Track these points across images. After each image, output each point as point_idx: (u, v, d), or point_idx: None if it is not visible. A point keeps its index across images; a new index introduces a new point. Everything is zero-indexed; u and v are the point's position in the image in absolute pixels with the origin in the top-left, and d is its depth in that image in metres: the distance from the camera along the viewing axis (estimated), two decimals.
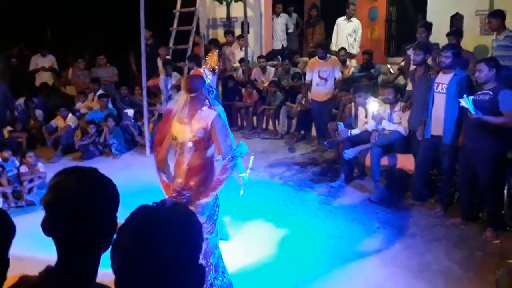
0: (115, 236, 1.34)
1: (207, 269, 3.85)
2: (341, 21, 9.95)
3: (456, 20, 8.21)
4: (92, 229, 1.46)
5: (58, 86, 10.84)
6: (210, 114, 3.78)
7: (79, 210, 1.45)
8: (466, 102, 5.04)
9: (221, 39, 11.02)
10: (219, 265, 4.05)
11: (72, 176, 1.51)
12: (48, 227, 1.47)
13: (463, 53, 6.41)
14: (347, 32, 9.85)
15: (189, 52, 9.63)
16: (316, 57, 8.49)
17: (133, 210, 1.35)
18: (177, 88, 8.39)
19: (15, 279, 1.48)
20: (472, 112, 5.01)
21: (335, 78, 8.42)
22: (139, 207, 1.36)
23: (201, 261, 3.77)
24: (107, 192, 1.53)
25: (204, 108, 3.82)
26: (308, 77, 8.52)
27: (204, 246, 3.80)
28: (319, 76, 8.32)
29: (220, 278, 4.02)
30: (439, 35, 7.46)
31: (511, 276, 2.76)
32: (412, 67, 6.69)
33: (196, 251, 1.31)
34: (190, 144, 3.81)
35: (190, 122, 3.77)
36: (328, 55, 8.52)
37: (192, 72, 5.67)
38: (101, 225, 1.48)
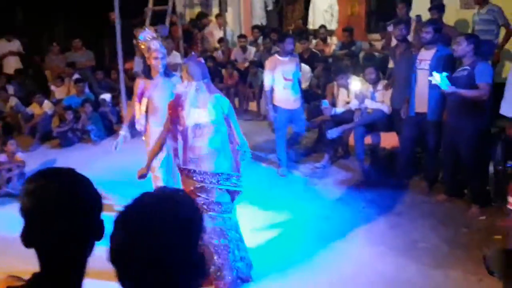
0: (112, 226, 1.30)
1: (224, 250, 3.94)
2: None
3: None
4: (78, 235, 1.39)
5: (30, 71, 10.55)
6: (224, 101, 3.98)
7: (64, 216, 1.36)
8: (438, 78, 4.95)
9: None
10: (240, 247, 4.10)
11: (52, 180, 1.41)
12: (30, 237, 1.37)
13: (445, 28, 6.35)
14: (323, 8, 9.71)
15: (167, 33, 9.40)
16: (276, 55, 6.62)
17: (134, 197, 1.33)
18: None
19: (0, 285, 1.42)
20: (444, 88, 4.95)
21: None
22: (141, 194, 1.34)
23: (217, 241, 3.88)
24: (90, 195, 1.46)
25: (217, 94, 3.97)
26: (267, 81, 6.49)
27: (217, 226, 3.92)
28: (284, 78, 6.44)
29: (241, 260, 4.09)
30: (420, 10, 7.37)
31: (503, 255, 2.73)
32: (393, 44, 6.62)
33: (195, 239, 1.30)
34: (211, 126, 3.85)
35: (205, 106, 3.85)
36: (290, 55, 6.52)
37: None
38: (87, 229, 1.41)
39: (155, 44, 4.72)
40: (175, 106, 3.90)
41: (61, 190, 1.39)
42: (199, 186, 3.86)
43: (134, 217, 1.27)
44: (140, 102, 4.84)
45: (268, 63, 6.58)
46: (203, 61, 4.09)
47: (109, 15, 9.56)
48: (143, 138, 4.97)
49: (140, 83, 4.88)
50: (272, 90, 6.46)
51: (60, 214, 1.36)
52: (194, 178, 3.86)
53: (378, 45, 8.85)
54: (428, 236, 4.90)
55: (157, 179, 4.82)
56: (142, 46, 4.82)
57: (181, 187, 3.98)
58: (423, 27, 5.64)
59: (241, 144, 4.12)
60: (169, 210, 1.27)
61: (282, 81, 6.40)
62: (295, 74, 6.49)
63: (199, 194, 3.86)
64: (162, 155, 4.69)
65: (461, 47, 5.13)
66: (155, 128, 4.67)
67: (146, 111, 4.81)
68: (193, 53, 4.31)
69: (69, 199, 1.38)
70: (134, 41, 9.59)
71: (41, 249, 1.37)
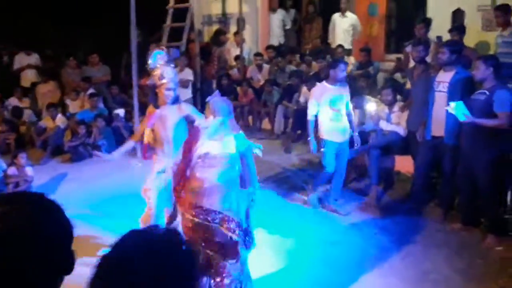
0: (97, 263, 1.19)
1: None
2: (336, 16, 9.69)
3: (458, 16, 7.93)
4: (44, 268, 1.24)
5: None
6: (244, 140, 3.82)
7: (28, 245, 1.21)
8: (453, 109, 4.80)
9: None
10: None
11: (16, 206, 1.27)
12: None
13: (465, 50, 6.15)
14: (343, 28, 9.58)
15: (182, 49, 9.38)
16: (324, 82, 5.93)
17: (122, 235, 1.22)
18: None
19: None
20: (461, 118, 4.82)
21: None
22: (128, 233, 1.23)
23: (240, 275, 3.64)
24: (59, 224, 1.31)
25: (236, 132, 3.80)
26: (312, 110, 5.82)
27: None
28: (331, 108, 5.78)
29: None
30: (440, 31, 7.20)
31: None
32: (411, 64, 6.43)
33: (189, 283, 1.19)
34: (224, 158, 3.66)
35: (222, 139, 3.69)
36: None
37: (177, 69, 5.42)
38: (54, 262, 1.26)
39: (169, 73, 4.53)
40: (192, 138, 3.79)
41: (25, 216, 1.24)
42: (195, 223, 3.62)
43: (115, 268, 1.14)
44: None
45: (314, 91, 5.90)
46: (228, 100, 3.94)
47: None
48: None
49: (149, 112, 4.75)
50: (316, 121, 5.81)
51: (24, 243, 1.21)
52: (192, 213, 3.62)
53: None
54: (441, 267, 4.65)
55: (146, 191, 4.62)
56: (154, 73, 4.58)
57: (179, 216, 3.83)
58: (440, 48, 5.46)
59: (252, 186, 3.88)
60: (158, 263, 1.13)
61: (329, 111, 5.73)
62: (345, 104, 5.85)
63: (198, 232, 3.62)
64: (159, 166, 4.57)
65: (480, 71, 4.95)
66: (160, 158, 4.59)
67: (149, 142, 4.62)
68: (217, 91, 4.08)
69: (34, 226, 1.23)
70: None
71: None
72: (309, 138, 5.88)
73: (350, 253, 4.95)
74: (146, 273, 1.11)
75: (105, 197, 6.45)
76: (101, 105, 9.23)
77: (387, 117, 6.43)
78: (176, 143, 4.49)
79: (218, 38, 10.32)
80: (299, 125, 8.60)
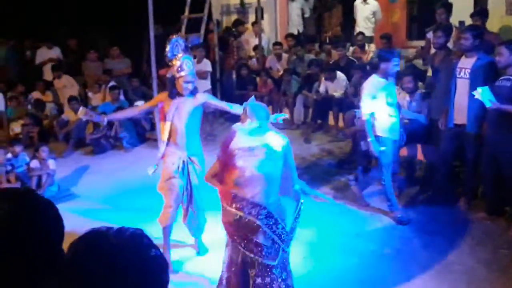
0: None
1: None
2: (358, 3, 9.54)
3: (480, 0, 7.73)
4: (31, 267, 1.22)
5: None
6: (284, 137, 3.54)
7: (12, 243, 1.20)
8: (479, 95, 4.68)
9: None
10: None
11: (2, 202, 1.26)
12: None
13: (487, 35, 5.98)
14: (365, 15, 9.43)
15: (201, 40, 9.34)
16: (375, 75, 5.42)
17: (81, 236, 1.14)
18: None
19: None
20: (487, 104, 4.69)
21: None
22: (87, 233, 1.14)
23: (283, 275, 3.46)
24: (47, 220, 1.29)
25: (272, 133, 3.55)
26: (368, 107, 5.30)
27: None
28: (389, 103, 5.33)
29: None
30: (462, 16, 7.02)
31: None
32: (432, 51, 6.29)
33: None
34: (263, 149, 3.43)
35: (261, 136, 3.47)
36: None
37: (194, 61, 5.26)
38: (41, 261, 1.24)
39: (188, 65, 4.42)
40: (229, 138, 3.55)
41: (11, 211, 1.23)
42: (237, 218, 3.40)
43: (65, 273, 1.08)
44: (164, 121, 4.53)
45: (367, 86, 5.38)
46: (265, 105, 3.78)
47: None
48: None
49: (161, 99, 4.61)
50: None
51: (8, 240, 1.20)
52: (234, 205, 3.40)
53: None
54: (465, 258, 4.56)
55: (163, 189, 4.51)
56: (172, 64, 4.45)
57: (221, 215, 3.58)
58: (462, 33, 5.31)
59: (297, 183, 3.64)
60: (113, 270, 1.06)
61: (386, 107, 5.31)
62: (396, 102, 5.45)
63: (238, 229, 3.42)
64: (172, 159, 4.44)
65: (504, 57, 4.83)
66: (173, 150, 4.48)
67: (168, 138, 4.48)
68: (253, 96, 3.91)
69: (20, 222, 1.22)
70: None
71: None
72: (369, 139, 5.29)
73: (370, 245, 4.90)
74: (100, 282, 1.04)
75: (127, 190, 6.50)
76: (122, 97, 9.29)
77: (408, 105, 6.32)
78: (189, 135, 4.44)
79: (236, 28, 10.27)
80: (319, 114, 8.54)
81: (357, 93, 8.02)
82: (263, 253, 3.39)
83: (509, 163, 4.88)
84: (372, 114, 5.26)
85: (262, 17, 10.13)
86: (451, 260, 4.55)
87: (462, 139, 5.39)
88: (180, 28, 9.59)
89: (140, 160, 7.82)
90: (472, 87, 5.10)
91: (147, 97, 9.42)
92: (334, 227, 5.30)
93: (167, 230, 4.53)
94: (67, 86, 9.70)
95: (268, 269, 3.42)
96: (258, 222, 3.33)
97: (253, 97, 3.87)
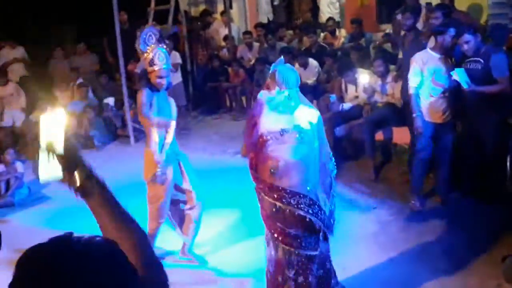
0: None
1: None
2: None
3: None
4: None
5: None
6: (313, 110, 3.37)
7: None
8: (457, 75, 4.66)
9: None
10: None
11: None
12: None
13: (456, 13, 5.97)
14: (328, 1, 9.36)
15: (170, 32, 9.17)
16: (428, 49, 5.06)
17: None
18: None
19: None
20: (465, 86, 4.68)
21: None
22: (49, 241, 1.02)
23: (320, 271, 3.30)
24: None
25: (309, 104, 3.42)
26: (415, 80, 4.98)
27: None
28: (434, 81, 4.97)
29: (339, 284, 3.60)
30: None
31: None
32: (402, 33, 6.25)
33: None
34: (294, 133, 3.21)
35: (292, 113, 3.25)
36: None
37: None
38: None
39: (160, 58, 4.05)
40: (255, 112, 3.34)
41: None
42: (276, 209, 3.21)
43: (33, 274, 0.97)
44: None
45: (416, 57, 4.97)
46: (293, 67, 3.53)
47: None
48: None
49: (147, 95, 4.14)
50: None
51: None
52: (272, 195, 3.20)
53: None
54: (443, 238, 4.56)
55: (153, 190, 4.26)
56: (144, 58, 4.11)
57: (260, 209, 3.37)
58: (431, 13, 5.27)
59: (330, 158, 3.43)
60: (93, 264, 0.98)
61: (429, 85, 4.97)
62: (448, 80, 4.93)
63: (276, 221, 3.23)
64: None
65: (471, 43, 4.77)
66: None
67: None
68: (282, 57, 3.59)
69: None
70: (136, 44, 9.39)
71: None
72: (414, 115, 4.93)
73: (349, 230, 4.84)
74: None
75: None
76: (91, 95, 9.06)
77: (381, 88, 6.28)
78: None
79: (205, 19, 10.11)
80: None
81: (329, 79, 7.98)
82: (303, 245, 3.23)
83: (490, 142, 4.90)
84: (419, 87, 4.97)
85: (230, 6, 10.00)
86: (430, 241, 4.54)
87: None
88: (147, 21, 9.39)
89: (113, 158, 7.67)
90: None
91: (116, 94, 9.22)
92: None
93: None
94: (14, 95, 9.14)
95: (308, 262, 3.26)
96: (299, 212, 3.17)
97: (281, 58, 3.56)
